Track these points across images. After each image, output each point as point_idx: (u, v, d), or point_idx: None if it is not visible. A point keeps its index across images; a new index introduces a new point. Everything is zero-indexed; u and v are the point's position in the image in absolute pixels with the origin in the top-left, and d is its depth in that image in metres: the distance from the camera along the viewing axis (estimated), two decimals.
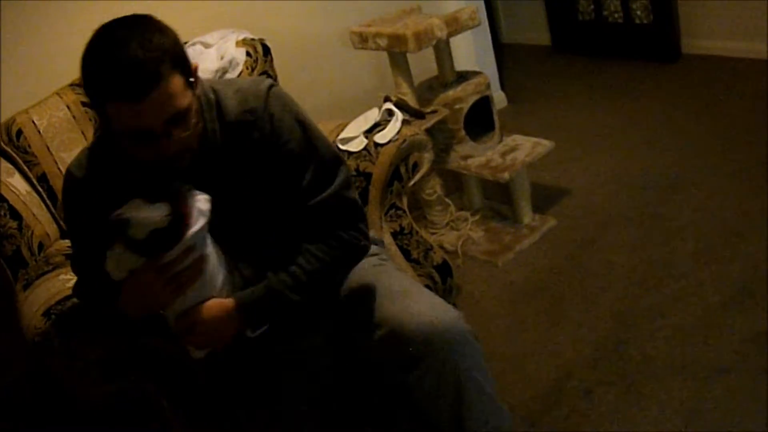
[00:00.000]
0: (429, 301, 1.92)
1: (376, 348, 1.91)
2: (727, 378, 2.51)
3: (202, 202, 1.72)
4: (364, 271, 2.03)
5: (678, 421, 2.40)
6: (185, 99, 1.64)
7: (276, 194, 1.87)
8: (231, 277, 1.89)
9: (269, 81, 1.89)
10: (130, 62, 1.55)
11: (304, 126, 1.86)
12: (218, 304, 1.83)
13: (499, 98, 5.20)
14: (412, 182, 2.86)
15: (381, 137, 2.77)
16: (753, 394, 2.43)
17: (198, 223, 1.70)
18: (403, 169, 2.76)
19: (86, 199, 1.81)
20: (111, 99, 1.58)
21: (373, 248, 2.10)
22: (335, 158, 1.92)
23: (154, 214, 1.63)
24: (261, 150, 1.83)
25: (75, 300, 2.10)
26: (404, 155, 2.75)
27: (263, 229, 1.91)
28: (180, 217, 1.66)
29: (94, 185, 1.80)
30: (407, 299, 1.91)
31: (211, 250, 1.81)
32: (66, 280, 2.26)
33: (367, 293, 1.95)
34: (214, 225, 1.77)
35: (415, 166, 2.83)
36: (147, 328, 1.88)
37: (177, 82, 1.62)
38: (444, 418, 1.84)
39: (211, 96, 1.82)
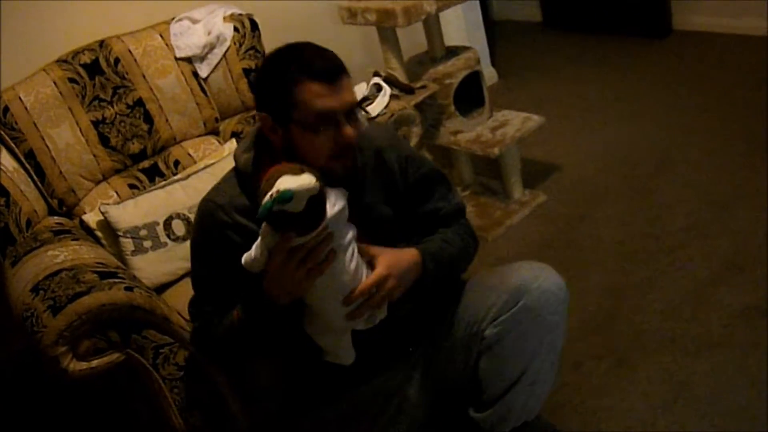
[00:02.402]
0: (535, 265, 1.95)
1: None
2: (716, 352, 2.52)
3: (339, 191, 1.75)
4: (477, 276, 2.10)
5: (666, 394, 2.41)
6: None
7: (405, 209, 2.01)
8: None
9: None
10: (325, 51, 1.74)
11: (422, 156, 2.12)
12: (402, 251, 1.87)
13: (490, 74, 5.19)
14: None
15: (370, 111, 2.77)
16: (741, 367, 2.44)
17: (338, 205, 1.71)
18: None
19: (226, 226, 1.81)
20: (311, 78, 1.69)
21: None
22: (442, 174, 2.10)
23: (307, 182, 1.59)
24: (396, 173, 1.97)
25: (63, 276, 2.09)
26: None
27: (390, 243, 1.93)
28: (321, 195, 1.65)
29: (235, 211, 1.81)
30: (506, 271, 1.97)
31: (351, 235, 1.78)
32: (54, 255, 2.26)
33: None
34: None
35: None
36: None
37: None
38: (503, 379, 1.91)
39: None
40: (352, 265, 1.76)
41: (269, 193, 1.56)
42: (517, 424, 1.95)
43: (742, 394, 2.34)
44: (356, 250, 1.78)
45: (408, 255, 1.86)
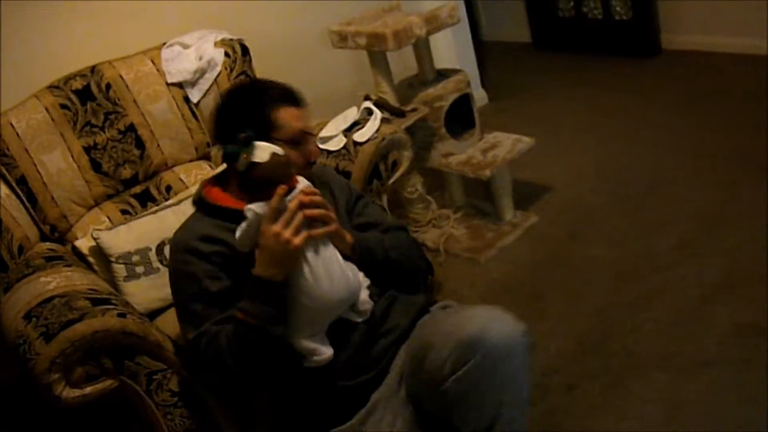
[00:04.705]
0: (491, 313, 1.91)
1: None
2: (710, 371, 2.52)
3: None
4: (432, 315, 2.13)
5: (661, 414, 2.41)
6: None
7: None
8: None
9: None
10: (287, 85, 2.08)
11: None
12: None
13: (480, 96, 5.21)
14: (391, 180, 2.86)
15: (360, 136, 2.78)
16: (735, 386, 2.44)
17: (305, 181, 1.96)
18: (382, 167, 2.76)
19: (194, 240, 1.98)
20: (288, 104, 2.02)
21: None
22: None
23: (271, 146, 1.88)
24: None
25: (56, 303, 2.09)
26: (383, 153, 2.75)
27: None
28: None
29: (201, 229, 2.00)
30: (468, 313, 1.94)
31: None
32: (46, 282, 2.25)
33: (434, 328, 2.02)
34: None
35: (395, 164, 2.83)
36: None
37: None
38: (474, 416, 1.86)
39: None
40: (333, 249, 1.94)
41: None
42: None
43: (738, 412, 2.34)
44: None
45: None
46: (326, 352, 1.95)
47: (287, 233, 1.81)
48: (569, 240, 3.47)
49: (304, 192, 1.89)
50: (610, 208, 3.63)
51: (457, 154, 3.62)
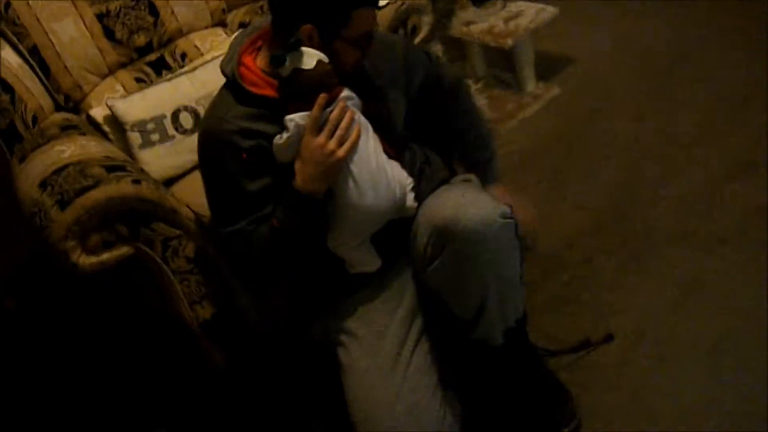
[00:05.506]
0: (464, 197, 1.89)
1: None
2: (727, 249, 2.52)
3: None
4: (438, 191, 2.05)
5: (676, 290, 2.42)
6: None
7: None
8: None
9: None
10: None
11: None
12: None
13: None
14: None
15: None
16: (752, 266, 2.43)
17: (347, 90, 1.85)
18: (401, 33, 2.70)
19: (231, 133, 1.83)
20: (367, 5, 1.80)
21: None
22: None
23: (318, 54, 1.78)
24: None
25: (70, 170, 2.08)
26: (402, 18, 2.70)
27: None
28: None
29: (236, 117, 1.84)
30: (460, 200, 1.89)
31: (363, 120, 1.88)
32: (61, 150, 2.24)
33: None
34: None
35: (414, 30, 2.78)
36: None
37: None
38: (468, 304, 1.87)
39: None
40: (378, 155, 1.88)
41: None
42: (509, 324, 1.92)
43: (753, 291, 2.34)
44: (380, 147, 1.90)
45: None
46: (374, 262, 1.95)
47: (331, 144, 1.75)
48: (590, 113, 3.42)
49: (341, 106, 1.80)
50: (633, 84, 3.56)
51: (479, 23, 3.54)
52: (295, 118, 1.77)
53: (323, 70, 1.76)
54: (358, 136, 1.81)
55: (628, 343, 2.30)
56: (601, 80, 3.66)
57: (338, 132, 1.76)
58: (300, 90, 1.78)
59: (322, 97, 1.75)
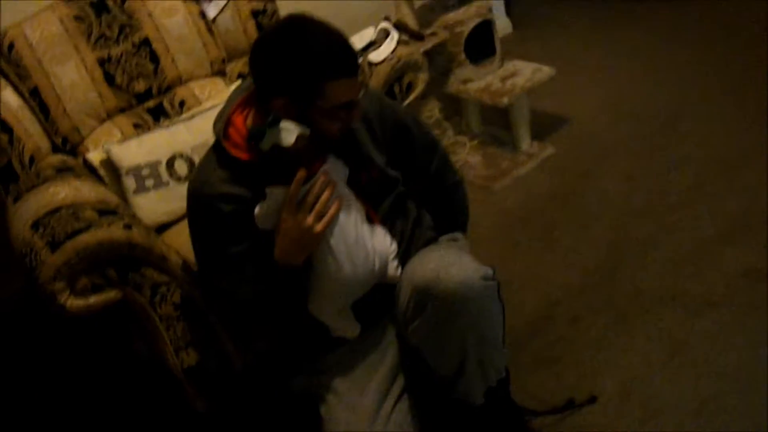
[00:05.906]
0: (446, 258, 1.89)
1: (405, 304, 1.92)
2: (716, 311, 2.51)
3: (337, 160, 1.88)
4: (422, 251, 2.05)
5: (663, 351, 2.41)
6: None
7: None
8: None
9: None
10: (344, 39, 1.77)
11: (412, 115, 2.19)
12: None
13: (504, 24, 5.12)
14: (405, 102, 2.83)
15: (376, 55, 2.74)
16: (740, 328, 2.43)
17: (330, 161, 1.84)
18: (397, 89, 2.74)
19: (214, 199, 1.84)
20: (343, 76, 1.74)
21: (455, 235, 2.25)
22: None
23: (299, 128, 1.73)
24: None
25: (63, 212, 2.10)
26: (398, 75, 2.73)
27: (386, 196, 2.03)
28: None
29: (219, 182, 1.85)
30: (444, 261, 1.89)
31: (346, 191, 1.89)
32: (55, 192, 2.26)
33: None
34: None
35: (410, 87, 2.81)
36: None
37: None
38: (447, 364, 1.87)
39: None
40: (358, 228, 1.87)
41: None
42: (490, 384, 1.91)
43: (740, 354, 2.33)
44: (362, 218, 1.90)
45: None
46: (353, 328, 1.97)
47: (309, 220, 1.77)
48: (584, 173, 3.45)
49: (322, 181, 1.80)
50: (627, 144, 3.59)
51: (476, 81, 3.58)
52: (275, 191, 1.78)
53: (303, 145, 1.73)
54: (338, 210, 1.82)
55: (612, 404, 2.29)
56: (595, 140, 3.69)
57: (317, 207, 1.77)
58: (279, 165, 1.77)
59: (300, 174, 1.74)
